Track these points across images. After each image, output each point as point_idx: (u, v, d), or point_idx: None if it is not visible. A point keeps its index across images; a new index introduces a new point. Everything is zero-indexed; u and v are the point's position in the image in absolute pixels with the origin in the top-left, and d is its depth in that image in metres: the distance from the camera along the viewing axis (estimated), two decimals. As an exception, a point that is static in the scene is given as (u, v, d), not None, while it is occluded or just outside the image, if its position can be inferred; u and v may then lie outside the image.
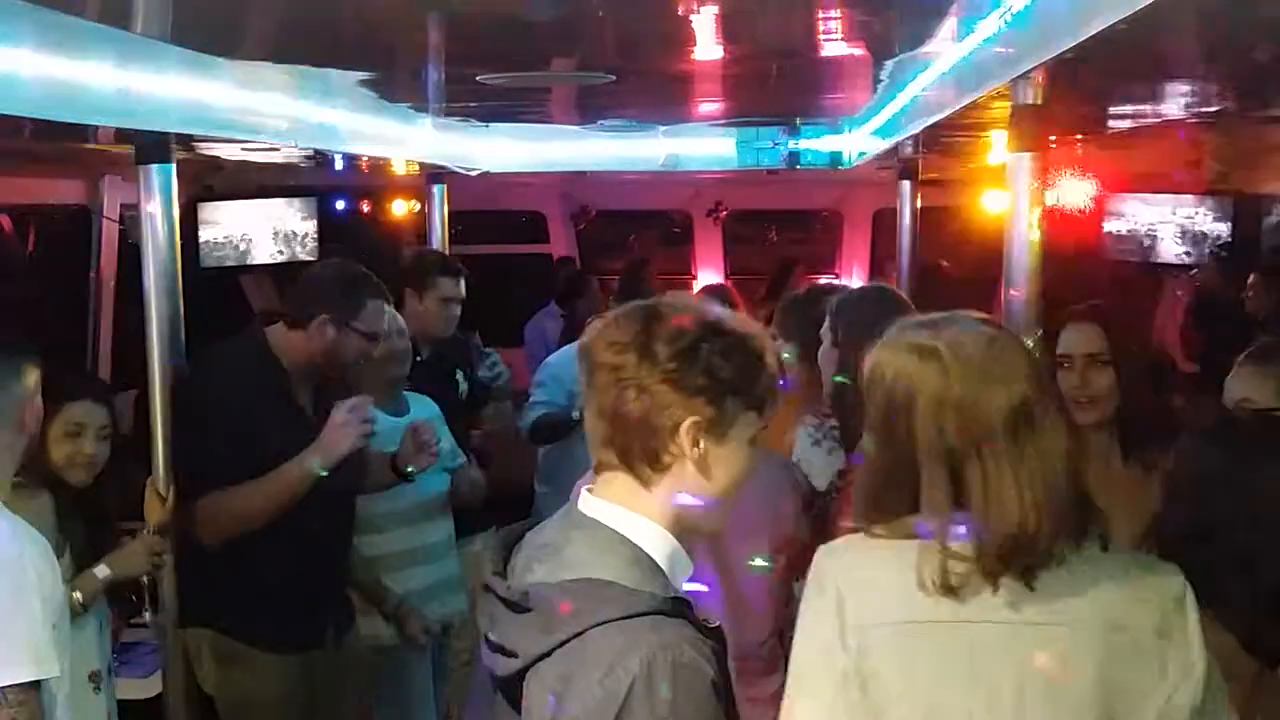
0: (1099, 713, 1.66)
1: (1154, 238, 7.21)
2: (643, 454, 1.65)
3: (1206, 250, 6.81)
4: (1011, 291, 3.10)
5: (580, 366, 1.70)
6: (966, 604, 1.69)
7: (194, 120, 3.19)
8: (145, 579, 3.15)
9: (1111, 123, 4.25)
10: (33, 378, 2.48)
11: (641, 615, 1.54)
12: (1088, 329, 2.89)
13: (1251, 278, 6.00)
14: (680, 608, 1.59)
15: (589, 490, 1.71)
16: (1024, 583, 1.68)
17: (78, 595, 2.87)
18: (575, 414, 4.70)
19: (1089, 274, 6.70)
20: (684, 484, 1.66)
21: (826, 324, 3.20)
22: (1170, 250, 7.14)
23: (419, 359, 4.46)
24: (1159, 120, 4.14)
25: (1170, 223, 7.13)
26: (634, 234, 9.96)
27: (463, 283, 4.52)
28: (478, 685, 1.85)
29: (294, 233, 7.17)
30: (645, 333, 1.64)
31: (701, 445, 1.64)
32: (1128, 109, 3.93)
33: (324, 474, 3.21)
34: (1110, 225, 7.40)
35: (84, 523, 3.05)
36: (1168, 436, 2.84)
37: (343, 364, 3.41)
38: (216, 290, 6.64)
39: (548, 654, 1.55)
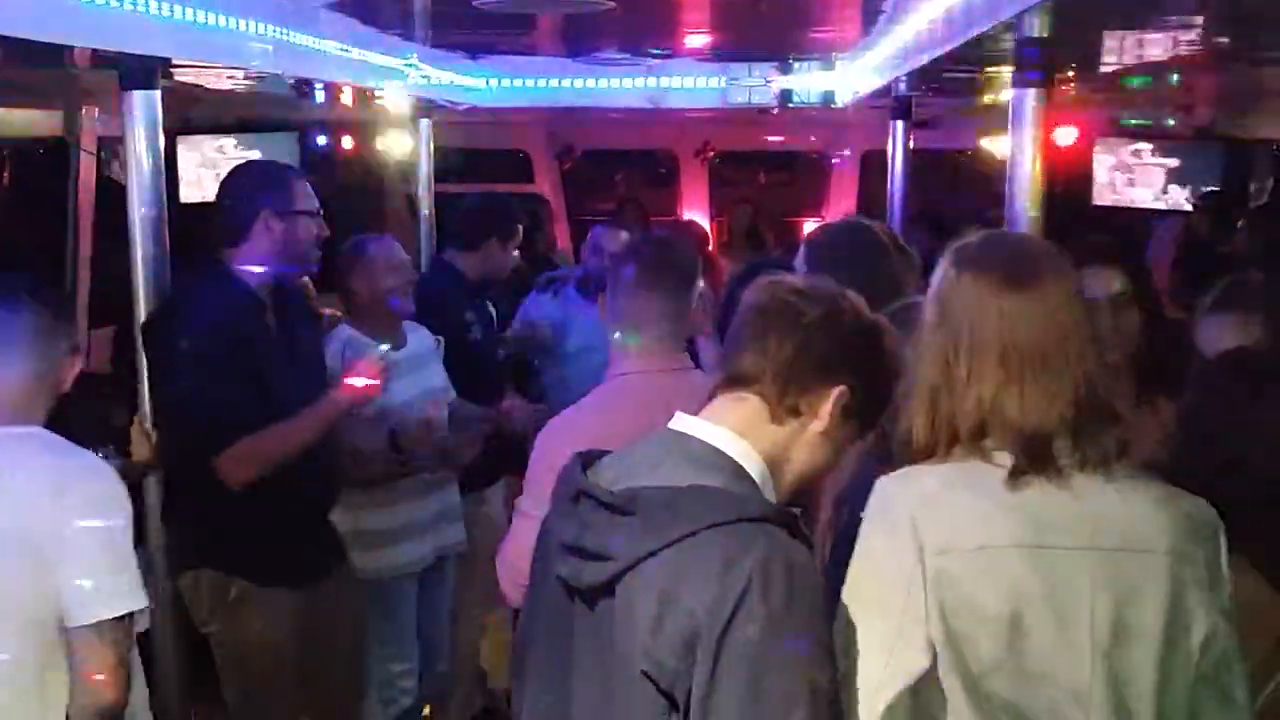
0: (1160, 641, 1.66)
1: (1144, 182, 7.18)
2: (787, 395, 1.73)
3: (1196, 195, 6.77)
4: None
5: (755, 303, 1.78)
6: (1042, 530, 1.68)
7: (180, 44, 3.09)
8: None
9: (1115, 59, 4.19)
10: (73, 337, 2.49)
11: (753, 520, 1.57)
12: (1108, 271, 2.85)
13: (1240, 221, 5.98)
14: (787, 518, 1.62)
15: (683, 415, 1.76)
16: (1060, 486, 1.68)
17: None
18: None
19: (1076, 219, 6.67)
20: (799, 438, 1.75)
21: (799, 259, 3.11)
22: (1159, 195, 7.11)
23: (484, 304, 4.59)
24: (1161, 57, 4.09)
25: (1161, 166, 7.09)
26: (620, 173, 9.86)
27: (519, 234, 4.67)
28: (534, 604, 1.84)
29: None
30: (842, 298, 1.77)
31: (835, 416, 1.74)
32: (1133, 45, 3.87)
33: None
34: (1099, 168, 7.36)
35: None
36: (1167, 378, 2.83)
37: (302, 251, 3.32)
38: (195, 226, 6.52)
39: (652, 554, 1.56)
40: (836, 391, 1.72)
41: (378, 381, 3.28)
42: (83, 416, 3.03)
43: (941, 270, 1.80)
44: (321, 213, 3.37)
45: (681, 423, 1.74)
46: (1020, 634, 1.67)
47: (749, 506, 1.60)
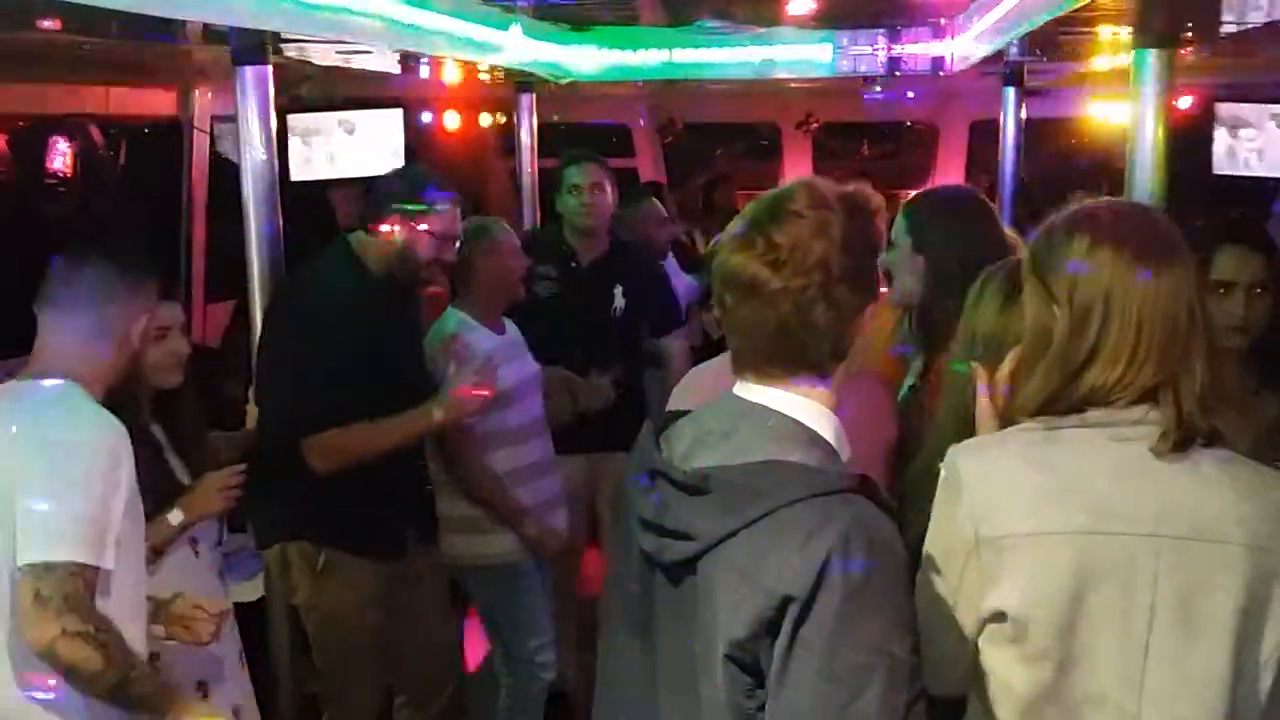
0: (1230, 638, 1.59)
1: (1270, 151, 6.88)
2: (834, 354, 1.64)
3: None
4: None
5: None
6: (1103, 516, 1.61)
7: (288, 18, 3.12)
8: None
9: (1246, 16, 4.00)
10: (148, 295, 2.48)
11: (832, 493, 1.52)
12: (1251, 254, 2.70)
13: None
14: (867, 486, 1.56)
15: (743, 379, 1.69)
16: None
17: (150, 543, 2.66)
18: None
19: (1195, 189, 6.43)
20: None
21: (904, 226, 3.03)
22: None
23: (573, 266, 4.46)
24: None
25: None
26: (720, 147, 9.78)
27: (590, 170, 4.44)
28: (615, 571, 1.81)
29: (382, 145, 7.10)
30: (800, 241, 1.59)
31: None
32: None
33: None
34: (1219, 135, 7.08)
35: (177, 429, 2.97)
36: None
37: (418, 265, 3.34)
38: (307, 203, 6.62)
39: (732, 534, 1.53)
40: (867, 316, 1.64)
41: (487, 394, 3.30)
42: (195, 389, 3.09)
43: (1070, 240, 1.70)
44: (450, 239, 3.37)
45: (745, 390, 1.66)
46: (1070, 620, 1.63)
47: (826, 480, 1.54)
